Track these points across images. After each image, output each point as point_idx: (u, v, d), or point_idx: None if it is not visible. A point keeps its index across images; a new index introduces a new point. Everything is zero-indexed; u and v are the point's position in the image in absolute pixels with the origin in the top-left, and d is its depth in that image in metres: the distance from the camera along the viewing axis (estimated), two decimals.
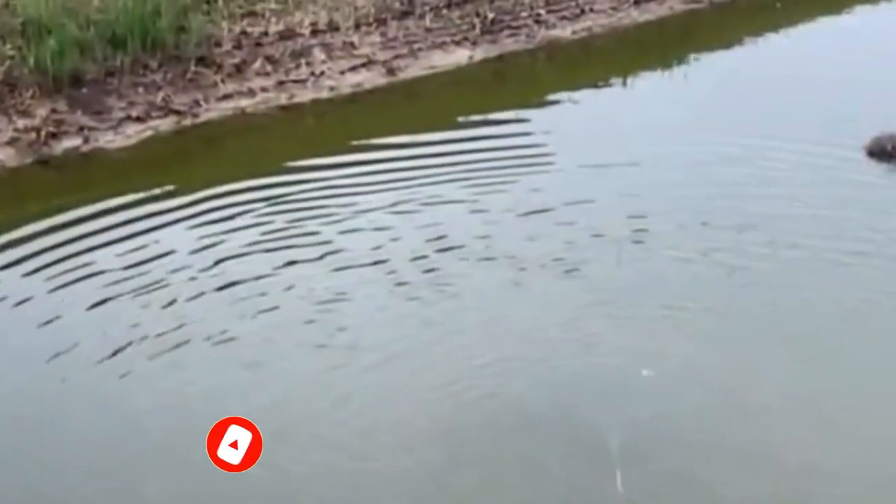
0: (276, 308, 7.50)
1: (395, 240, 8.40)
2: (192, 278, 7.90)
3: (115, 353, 7.01)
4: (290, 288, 7.74)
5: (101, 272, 7.96)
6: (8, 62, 10.40)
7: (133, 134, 10.45)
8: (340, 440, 6.23)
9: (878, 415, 6.44)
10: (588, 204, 8.94)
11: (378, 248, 8.27)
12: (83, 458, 6.15)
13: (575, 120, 11.01)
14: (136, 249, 8.28)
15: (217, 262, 8.10)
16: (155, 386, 6.73)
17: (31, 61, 10.40)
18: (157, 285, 7.78)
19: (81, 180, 9.77)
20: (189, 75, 11.12)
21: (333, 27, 12.17)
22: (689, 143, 10.05)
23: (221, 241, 8.43)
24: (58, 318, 7.42)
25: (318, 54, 11.88)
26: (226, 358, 6.98)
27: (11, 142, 9.97)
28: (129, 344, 7.09)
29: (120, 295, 7.67)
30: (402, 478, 5.95)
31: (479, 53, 12.53)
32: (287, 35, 11.92)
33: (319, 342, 7.12)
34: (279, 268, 8.03)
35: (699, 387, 6.65)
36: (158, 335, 7.17)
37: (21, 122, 10.14)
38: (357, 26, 12.26)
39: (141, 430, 6.33)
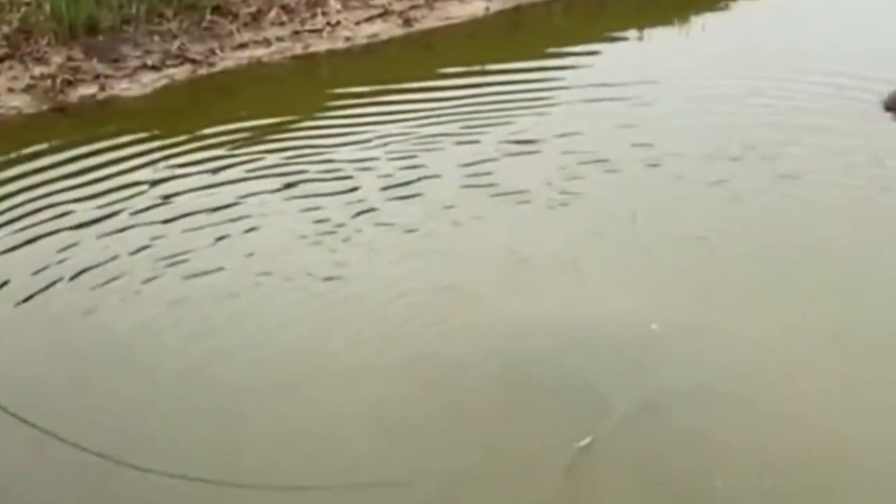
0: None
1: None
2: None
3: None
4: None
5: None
6: (24, 9, 10.40)
7: (148, 82, 10.44)
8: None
9: None
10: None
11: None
12: None
13: (590, 66, 10.99)
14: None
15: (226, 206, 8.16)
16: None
17: (47, 8, 10.39)
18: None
19: (96, 127, 9.77)
20: (204, 24, 11.11)
21: None
22: (700, 84, 10.15)
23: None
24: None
25: (334, 4, 11.83)
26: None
27: (27, 89, 9.99)
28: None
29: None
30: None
31: (496, 4, 12.45)
32: None
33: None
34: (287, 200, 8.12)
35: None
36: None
37: (37, 70, 10.15)
38: None
39: None
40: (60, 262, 7.40)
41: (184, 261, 7.39)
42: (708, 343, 6.48)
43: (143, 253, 7.51)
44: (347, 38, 11.55)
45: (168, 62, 10.69)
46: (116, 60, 10.53)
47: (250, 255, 7.49)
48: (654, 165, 8.70)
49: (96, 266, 7.36)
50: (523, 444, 5.76)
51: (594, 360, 6.29)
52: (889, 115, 9.66)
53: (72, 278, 7.23)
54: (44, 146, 9.06)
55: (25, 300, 7.04)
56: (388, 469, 5.59)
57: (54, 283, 7.19)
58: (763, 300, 6.98)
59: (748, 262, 7.38)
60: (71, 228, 7.81)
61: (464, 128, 9.36)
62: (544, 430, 5.82)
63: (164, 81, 10.49)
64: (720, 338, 6.54)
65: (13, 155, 8.90)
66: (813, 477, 5.61)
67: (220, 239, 7.69)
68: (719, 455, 5.68)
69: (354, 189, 8.35)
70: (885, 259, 7.46)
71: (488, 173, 8.55)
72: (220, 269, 7.33)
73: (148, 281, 7.22)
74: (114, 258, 7.45)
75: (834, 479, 5.59)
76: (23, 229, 7.82)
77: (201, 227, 7.83)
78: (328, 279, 7.20)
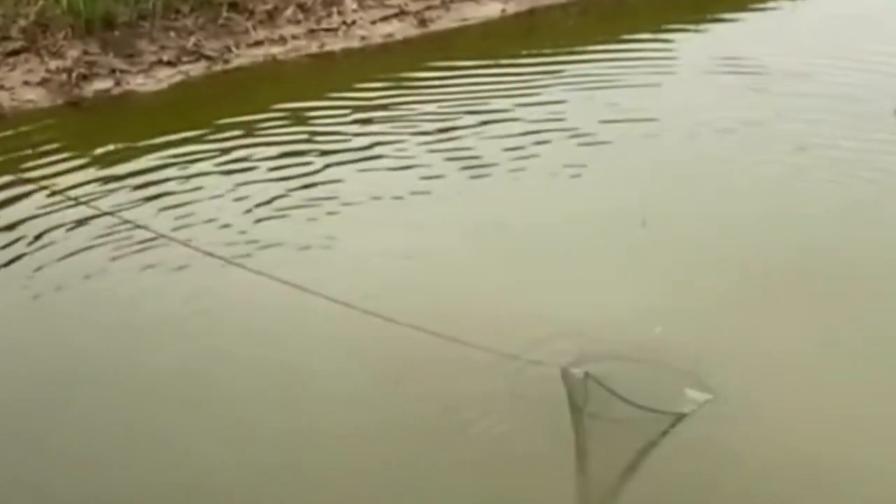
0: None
1: None
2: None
3: None
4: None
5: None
6: (41, 3, 10.44)
7: (164, 78, 10.46)
8: None
9: None
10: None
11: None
12: None
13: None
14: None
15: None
16: None
17: (64, 2, 10.45)
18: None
19: (111, 122, 9.81)
20: (220, 21, 11.14)
21: None
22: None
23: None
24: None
25: (350, 3, 11.84)
26: None
27: (43, 82, 10.01)
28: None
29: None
30: None
31: (512, 6, 12.45)
32: None
33: None
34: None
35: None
36: None
37: (53, 63, 10.18)
38: None
39: None
40: None
41: None
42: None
43: None
44: (363, 38, 11.55)
45: (183, 58, 10.71)
46: (132, 55, 10.56)
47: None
48: None
49: None
50: None
51: None
52: None
53: None
54: None
55: None
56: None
57: None
58: None
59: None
60: None
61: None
62: None
63: (179, 77, 10.52)
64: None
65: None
66: None
67: None
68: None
69: None
70: None
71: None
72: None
73: None
74: None
75: None
76: None
77: None
78: None
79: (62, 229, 7.68)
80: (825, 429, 5.77)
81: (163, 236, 6.79)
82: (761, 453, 5.57)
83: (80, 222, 7.69)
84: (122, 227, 7.35)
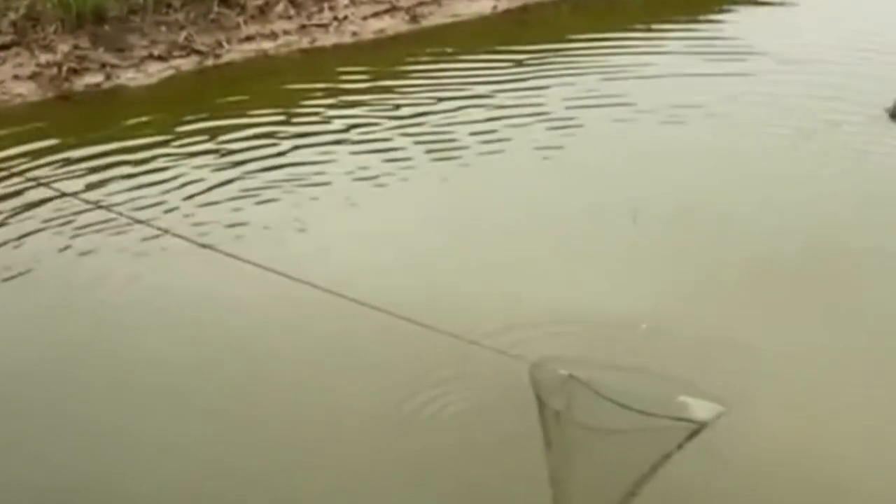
0: None
1: None
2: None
3: None
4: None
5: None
6: None
7: (154, 72, 10.44)
8: None
9: None
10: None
11: None
12: None
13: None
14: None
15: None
16: None
17: None
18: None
19: (101, 116, 9.78)
20: (212, 16, 11.10)
21: None
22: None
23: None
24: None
25: None
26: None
27: (33, 76, 9.99)
28: None
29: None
30: None
31: (504, 3, 12.43)
32: None
33: None
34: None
35: None
36: None
37: (43, 57, 10.15)
38: None
39: None
40: None
41: None
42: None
43: None
44: (354, 34, 11.53)
45: (174, 53, 10.68)
46: (123, 50, 10.53)
47: None
48: None
49: None
50: None
51: None
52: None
53: None
54: None
55: None
56: None
57: None
58: None
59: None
60: None
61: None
62: None
63: (169, 72, 10.50)
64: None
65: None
66: None
67: None
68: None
69: None
70: None
71: None
72: None
73: None
74: None
75: None
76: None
77: None
78: None
79: (54, 223, 7.72)
80: (818, 430, 5.79)
81: (138, 221, 6.90)
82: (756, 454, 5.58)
83: (75, 214, 7.75)
84: (110, 218, 7.40)
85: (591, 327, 6.38)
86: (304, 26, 11.45)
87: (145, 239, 7.32)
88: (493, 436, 5.69)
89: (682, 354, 6.21)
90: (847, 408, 5.96)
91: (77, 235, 7.58)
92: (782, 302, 6.82)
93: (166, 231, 6.55)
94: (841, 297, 6.86)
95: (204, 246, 6.12)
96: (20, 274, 7.20)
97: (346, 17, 11.66)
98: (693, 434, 5.63)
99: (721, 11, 12.55)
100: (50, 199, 7.89)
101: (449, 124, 9.29)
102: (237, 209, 7.96)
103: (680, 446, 5.56)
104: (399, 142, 8.99)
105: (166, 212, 7.88)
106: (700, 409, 5.71)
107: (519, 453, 5.53)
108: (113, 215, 7.21)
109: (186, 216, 7.85)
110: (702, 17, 12.27)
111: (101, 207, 7.19)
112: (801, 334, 6.50)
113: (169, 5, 11.01)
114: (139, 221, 6.86)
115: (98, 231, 7.57)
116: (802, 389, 6.06)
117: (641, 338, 6.33)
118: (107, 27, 10.61)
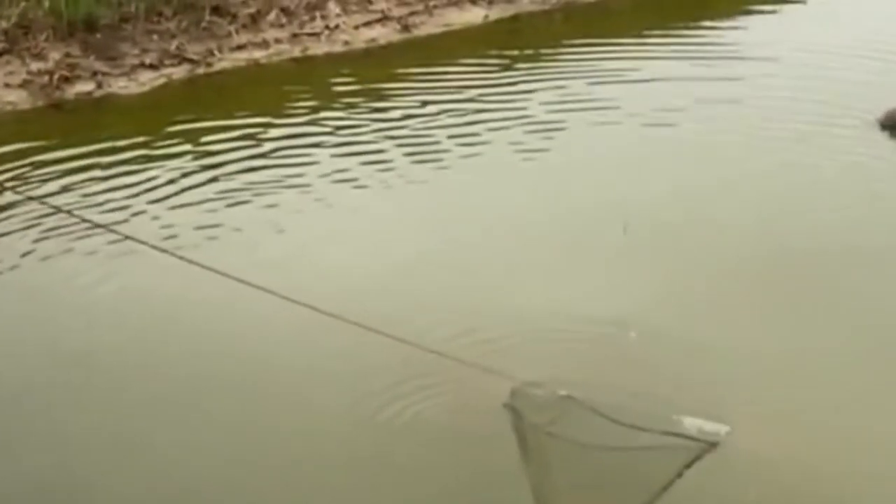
0: None
1: None
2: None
3: None
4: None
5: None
6: (22, 4, 10.44)
7: (146, 81, 10.46)
8: None
9: None
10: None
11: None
12: None
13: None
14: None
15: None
16: None
17: (46, 4, 10.44)
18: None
19: (92, 124, 9.80)
20: (203, 24, 11.14)
21: None
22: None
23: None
24: None
25: (333, 8, 11.87)
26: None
27: (24, 84, 10.01)
28: None
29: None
30: None
31: (495, 13, 12.49)
32: None
33: None
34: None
35: None
36: None
37: (34, 65, 10.18)
38: None
39: None
40: None
41: None
42: None
43: None
44: (346, 42, 11.57)
45: (166, 61, 10.71)
46: (114, 58, 10.56)
47: None
48: None
49: None
50: None
51: None
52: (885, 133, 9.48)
53: None
54: None
55: None
56: None
57: None
58: None
59: None
60: None
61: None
62: None
63: (161, 80, 10.52)
64: None
65: None
66: None
67: None
68: None
69: None
70: None
71: None
72: None
73: None
74: None
75: None
76: None
77: None
78: None
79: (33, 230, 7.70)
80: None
81: (99, 226, 6.82)
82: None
83: (54, 226, 7.66)
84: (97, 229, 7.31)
85: (571, 334, 6.39)
86: (295, 35, 11.49)
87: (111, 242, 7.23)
88: (473, 441, 5.65)
89: (668, 362, 6.21)
90: (836, 412, 5.95)
91: (42, 239, 7.54)
92: (771, 306, 6.84)
93: (128, 237, 6.44)
94: (835, 300, 6.91)
95: (163, 251, 6.09)
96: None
97: (337, 27, 11.71)
98: (697, 458, 5.48)
99: (715, 18, 12.62)
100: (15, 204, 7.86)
101: (433, 128, 9.35)
102: (212, 210, 8.00)
103: (688, 466, 5.42)
104: (382, 144, 9.04)
105: (133, 215, 7.87)
106: (701, 428, 5.57)
107: (497, 458, 5.50)
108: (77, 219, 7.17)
109: (154, 219, 7.86)
110: (693, 24, 12.34)
111: (63, 212, 7.12)
112: (792, 339, 6.50)
113: (160, 14, 11.06)
114: (100, 226, 6.80)
115: (66, 235, 7.52)
116: (791, 395, 6.06)
117: (629, 346, 6.30)
118: (98, 35, 10.65)
